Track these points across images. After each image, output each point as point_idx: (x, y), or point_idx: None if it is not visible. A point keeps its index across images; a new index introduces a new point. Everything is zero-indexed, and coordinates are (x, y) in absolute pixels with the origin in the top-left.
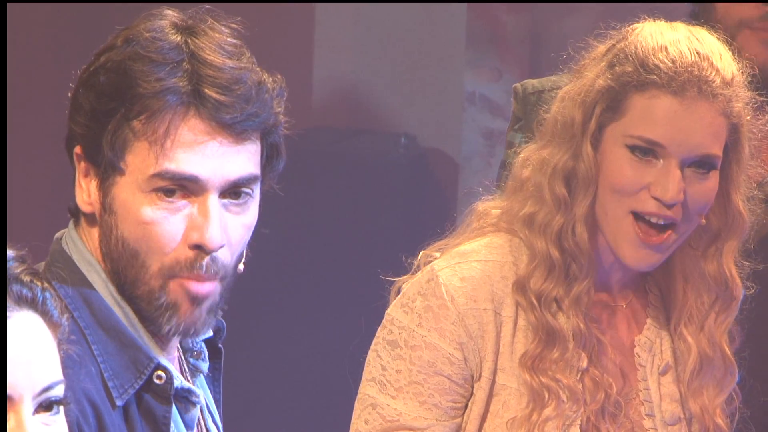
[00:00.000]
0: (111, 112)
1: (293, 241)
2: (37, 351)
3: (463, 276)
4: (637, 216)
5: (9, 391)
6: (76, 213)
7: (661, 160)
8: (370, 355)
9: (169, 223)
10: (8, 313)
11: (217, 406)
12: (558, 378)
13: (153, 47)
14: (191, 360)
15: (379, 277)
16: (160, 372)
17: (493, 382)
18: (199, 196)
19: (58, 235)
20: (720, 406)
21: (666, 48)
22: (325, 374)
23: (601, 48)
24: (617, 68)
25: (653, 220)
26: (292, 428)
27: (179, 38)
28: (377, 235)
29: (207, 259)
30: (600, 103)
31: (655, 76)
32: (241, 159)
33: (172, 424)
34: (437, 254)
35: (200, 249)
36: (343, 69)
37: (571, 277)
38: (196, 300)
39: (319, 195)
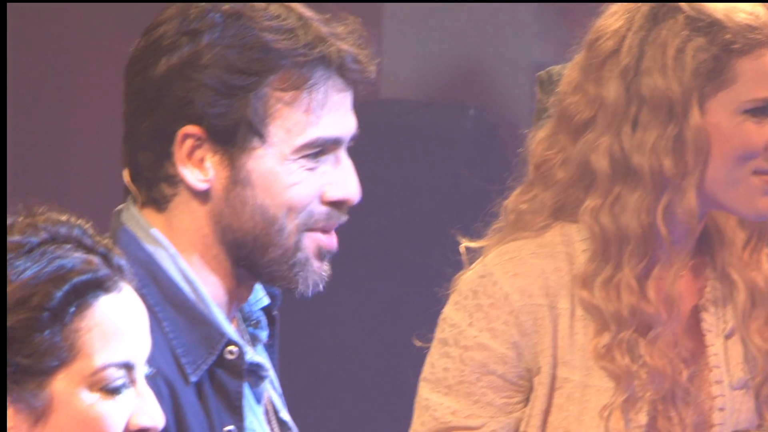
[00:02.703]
0: (250, 87)
1: (363, 210)
2: (144, 320)
3: (517, 272)
4: (759, 172)
5: (129, 358)
6: (147, 192)
7: None
8: (429, 354)
9: (310, 184)
10: (119, 283)
11: (275, 373)
12: (645, 361)
13: (274, 20)
14: (250, 329)
15: (445, 247)
16: (231, 347)
17: (554, 376)
18: (331, 153)
19: (117, 210)
20: None
21: (744, 10)
22: (388, 342)
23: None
24: (707, 38)
25: None
26: (349, 392)
27: (283, 9)
28: (446, 205)
29: (339, 213)
30: (698, 75)
31: (758, 35)
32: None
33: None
34: (484, 245)
35: (339, 204)
36: (412, 42)
37: (666, 252)
38: (324, 254)
39: (390, 165)
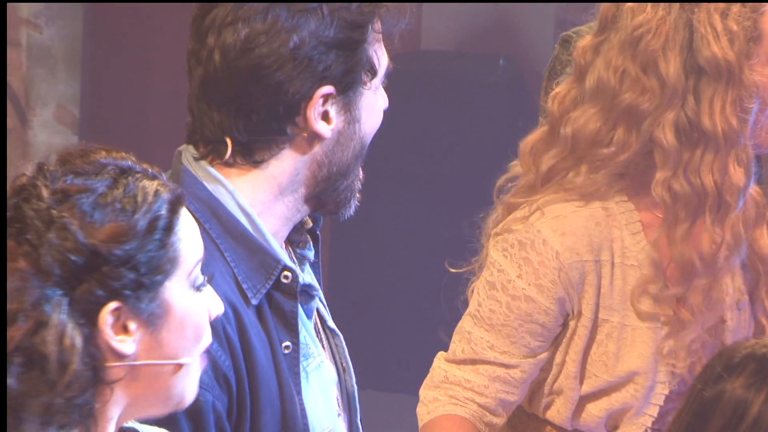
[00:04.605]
0: (364, 39)
1: (407, 147)
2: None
3: (564, 231)
4: None
5: (201, 256)
6: (244, 151)
7: None
8: (475, 290)
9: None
10: (182, 209)
11: (320, 286)
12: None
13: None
14: (298, 250)
15: (477, 190)
16: (286, 272)
17: (596, 318)
18: None
19: (177, 151)
20: None
21: None
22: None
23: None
24: (740, 6)
25: None
26: (387, 303)
27: None
28: (480, 143)
29: None
30: (745, 40)
31: None
32: None
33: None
34: (522, 200)
35: None
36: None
37: (736, 201)
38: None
39: (430, 108)
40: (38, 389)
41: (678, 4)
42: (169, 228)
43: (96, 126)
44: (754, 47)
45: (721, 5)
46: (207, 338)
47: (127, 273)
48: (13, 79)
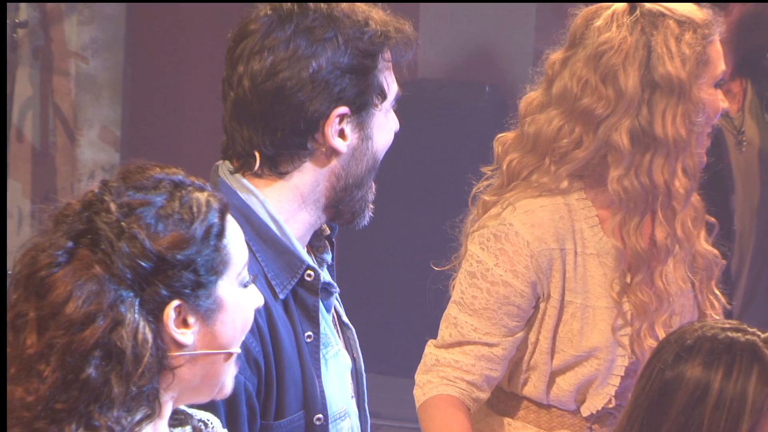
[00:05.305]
0: (375, 65)
1: (405, 165)
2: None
3: (533, 224)
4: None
5: (246, 257)
6: (270, 163)
7: None
8: (457, 281)
9: (393, 127)
10: (229, 216)
11: None
12: (669, 286)
13: (362, 15)
14: (318, 254)
15: (463, 193)
16: (309, 271)
17: (563, 300)
18: None
19: (215, 166)
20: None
21: (695, 9)
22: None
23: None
24: (694, 33)
25: None
26: (390, 300)
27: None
28: (466, 161)
29: None
30: (696, 62)
31: (712, 27)
32: None
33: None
34: (495, 199)
35: None
36: (442, 33)
37: (682, 200)
38: None
39: (425, 131)
40: (116, 379)
41: (639, 26)
42: (221, 234)
43: (135, 144)
44: (702, 69)
45: (677, 30)
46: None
47: (188, 275)
48: (63, 104)
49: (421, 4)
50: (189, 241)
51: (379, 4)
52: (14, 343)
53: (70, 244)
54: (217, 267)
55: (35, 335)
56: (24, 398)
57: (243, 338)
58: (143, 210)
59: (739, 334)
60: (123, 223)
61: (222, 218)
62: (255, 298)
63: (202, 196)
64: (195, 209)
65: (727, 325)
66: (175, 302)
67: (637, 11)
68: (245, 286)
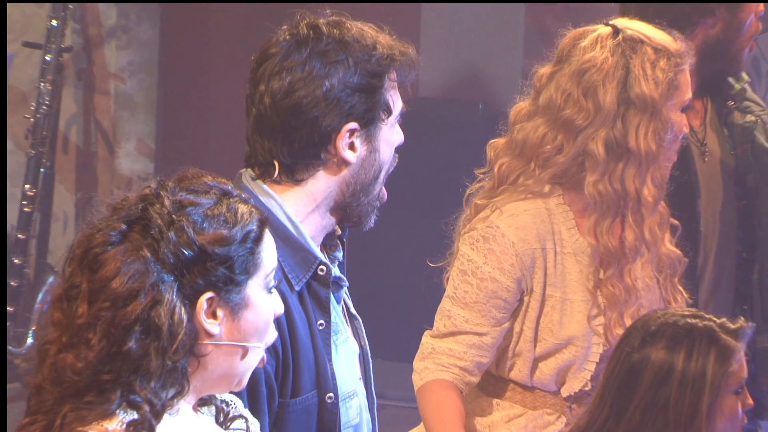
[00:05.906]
0: (382, 83)
1: (407, 177)
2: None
3: (518, 226)
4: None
5: (275, 265)
6: (288, 172)
7: None
8: (450, 278)
9: (398, 141)
10: (267, 228)
11: None
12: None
13: (370, 38)
14: (330, 252)
15: (458, 202)
16: (322, 266)
17: (544, 293)
18: None
19: (238, 173)
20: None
21: (670, 39)
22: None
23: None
24: (668, 60)
25: None
26: (391, 293)
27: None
28: (461, 174)
29: None
30: (667, 86)
31: (684, 57)
32: None
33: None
34: (486, 202)
35: None
36: (439, 53)
37: (650, 207)
38: None
39: (423, 146)
40: (154, 353)
41: (620, 49)
42: (258, 240)
43: (168, 156)
44: (673, 93)
45: (653, 56)
46: (272, 334)
47: (223, 270)
48: (103, 120)
49: (421, 30)
50: (229, 240)
51: (386, 28)
52: (67, 312)
53: (124, 227)
54: (249, 268)
55: (86, 305)
56: (74, 364)
57: (264, 340)
58: (193, 209)
59: (698, 320)
60: (174, 216)
61: (261, 227)
62: (277, 304)
63: (245, 207)
64: (238, 216)
65: (687, 313)
66: (209, 294)
67: (620, 36)
68: (270, 290)
